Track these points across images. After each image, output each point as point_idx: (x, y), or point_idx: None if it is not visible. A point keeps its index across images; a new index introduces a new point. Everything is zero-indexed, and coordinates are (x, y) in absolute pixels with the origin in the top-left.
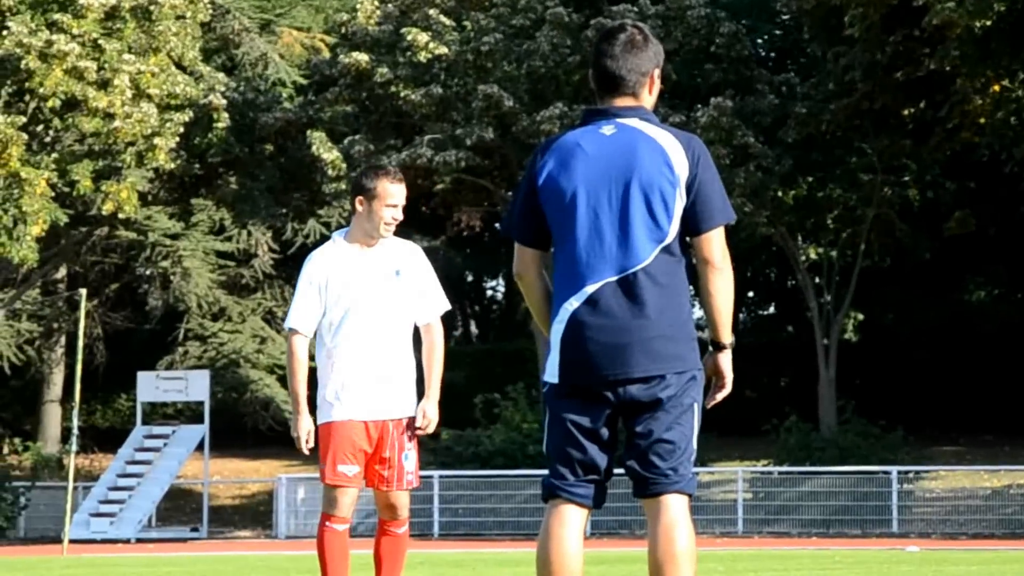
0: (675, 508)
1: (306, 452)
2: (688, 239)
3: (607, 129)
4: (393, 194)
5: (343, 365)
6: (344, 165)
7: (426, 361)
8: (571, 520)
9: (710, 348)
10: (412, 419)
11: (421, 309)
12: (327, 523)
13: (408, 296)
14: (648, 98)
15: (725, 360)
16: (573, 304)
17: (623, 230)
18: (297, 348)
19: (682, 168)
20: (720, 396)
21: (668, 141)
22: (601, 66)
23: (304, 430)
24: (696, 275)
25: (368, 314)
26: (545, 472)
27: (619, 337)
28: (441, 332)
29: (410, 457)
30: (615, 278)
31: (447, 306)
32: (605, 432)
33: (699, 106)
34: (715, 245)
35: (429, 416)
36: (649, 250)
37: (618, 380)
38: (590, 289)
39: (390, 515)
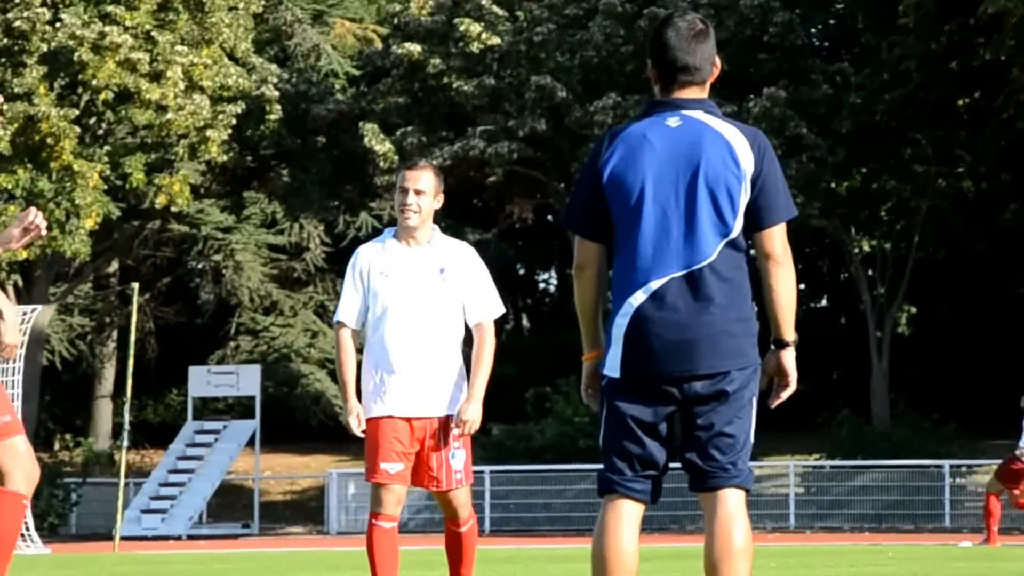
0: (733, 503)
1: (359, 434)
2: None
3: (672, 121)
4: (407, 178)
5: (382, 361)
6: (396, 157)
7: (472, 361)
8: (628, 515)
9: (772, 346)
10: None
11: (470, 310)
12: (374, 521)
13: (453, 296)
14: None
15: (788, 358)
16: (638, 298)
17: (689, 225)
18: (343, 340)
19: (748, 162)
20: (785, 395)
21: (733, 135)
22: (665, 56)
23: (354, 413)
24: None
25: (407, 312)
26: (599, 466)
27: (685, 333)
28: (490, 334)
29: (457, 456)
30: (681, 273)
31: (499, 309)
32: (664, 427)
33: (751, 96)
34: (778, 240)
35: (465, 418)
36: (715, 245)
37: (683, 376)
38: (655, 284)
39: (449, 514)
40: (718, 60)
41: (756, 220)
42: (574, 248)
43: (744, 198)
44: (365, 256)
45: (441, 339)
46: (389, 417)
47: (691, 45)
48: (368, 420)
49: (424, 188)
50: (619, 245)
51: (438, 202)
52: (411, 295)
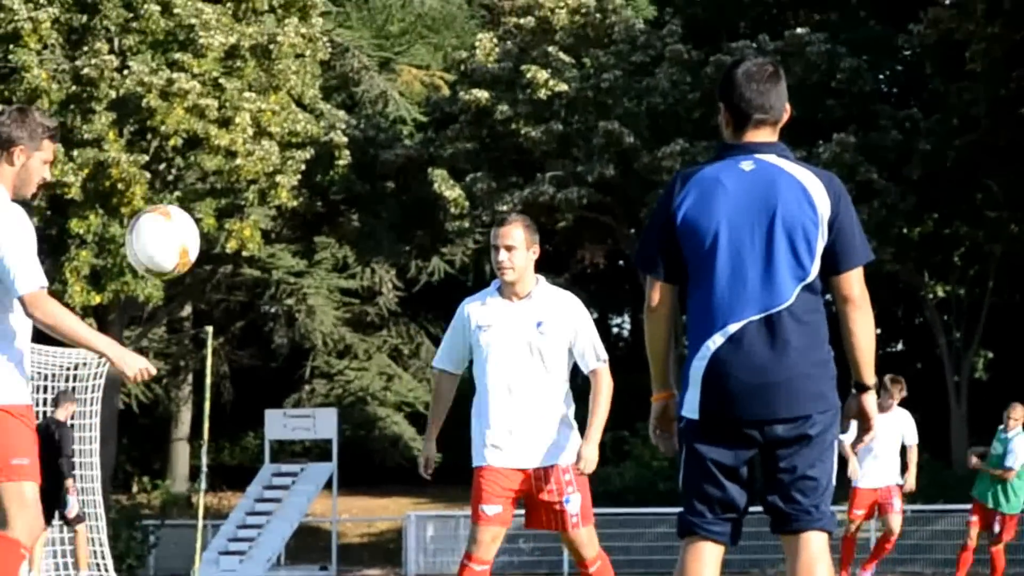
0: (816, 545)
1: (425, 476)
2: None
3: (746, 165)
4: (499, 235)
5: (484, 412)
6: (466, 203)
7: (590, 406)
8: (708, 557)
9: (853, 389)
10: (568, 466)
11: (580, 359)
12: (466, 562)
13: (552, 348)
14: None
15: (870, 401)
16: (716, 341)
17: (766, 269)
18: (437, 384)
19: (824, 206)
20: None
21: (808, 179)
22: (736, 97)
23: (424, 457)
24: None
25: (506, 365)
26: (678, 509)
27: (764, 377)
28: (604, 379)
29: (572, 500)
30: (758, 317)
31: (602, 355)
32: (744, 470)
33: (820, 142)
34: (856, 284)
35: (584, 457)
36: (792, 289)
37: (764, 420)
38: (733, 328)
39: (575, 556)
40: (788, 104)
41: (833, 264)
42: (646, 289)
43: (821, 242)
44: (467, 309)
45: (541, 391)
46: (490, 467)
47: (762, 87)
48: (475, 468)
49: (515, 243)
50: (693, 288)
51: (533, 253)
52: (509, 349)
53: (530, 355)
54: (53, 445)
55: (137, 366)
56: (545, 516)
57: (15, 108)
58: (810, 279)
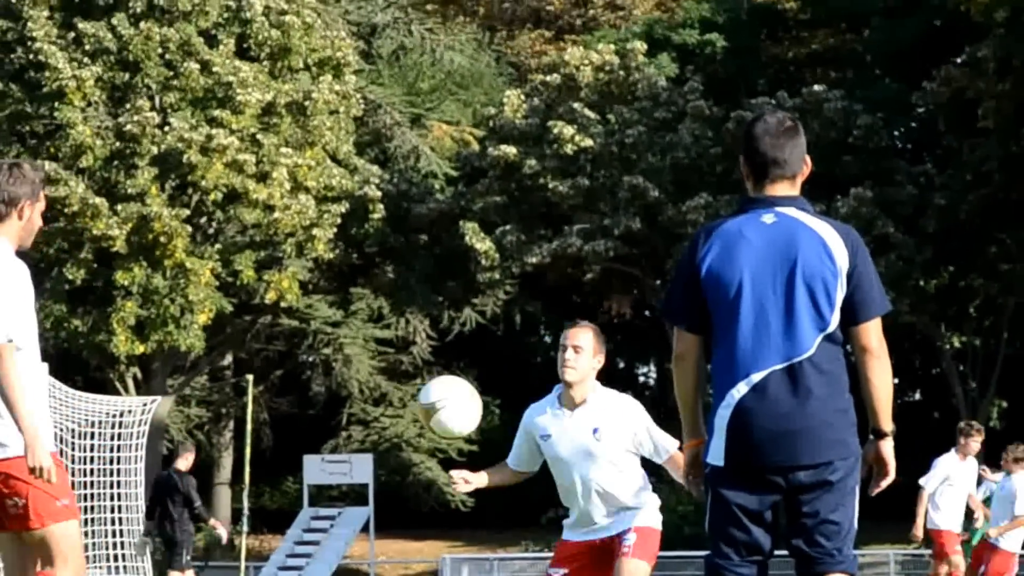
0: None
1: (458, 484)
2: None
3: (767, 218)
4: (568, 335)
5: (565, 501)
6: (496, 255)
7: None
8: None
9: (871, 436)
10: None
11: (652, 456)
12: None
13: (610, 451)
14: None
15: (887, 448)
16: (741, 390)
17: (788, 319)
18: (506, 468)
19: (842, 259)
20: (884, 484)
21: (827, 232)
22: (756, 151)
23: (465, 475)
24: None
25: (568, 470)
26: (704, 552)
27: (787, 424)
28: (678, 465)
29: (628, 538)
30: (781, 366)
31: (670, 448)
32: (768, 514)
33: (838, 196)
34: (874, 334)
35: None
36: (813, 339)
37: (787, 467)
38: (756, 377)
39: None
40: (807, 158)
41: (852, 315)
42: (673, 340)
43: (840, 293)
44: (530, 416)
45: (606, 488)
46: (566, 541)
47: (781, 140)
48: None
49: (583, 345)
50: (718, 338)
51: (598, 361)
52: (569, 456)
53: (588, 460)
54: (173, 492)
55: (44, 463)
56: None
57: (9, 165)
58: (830, 329)
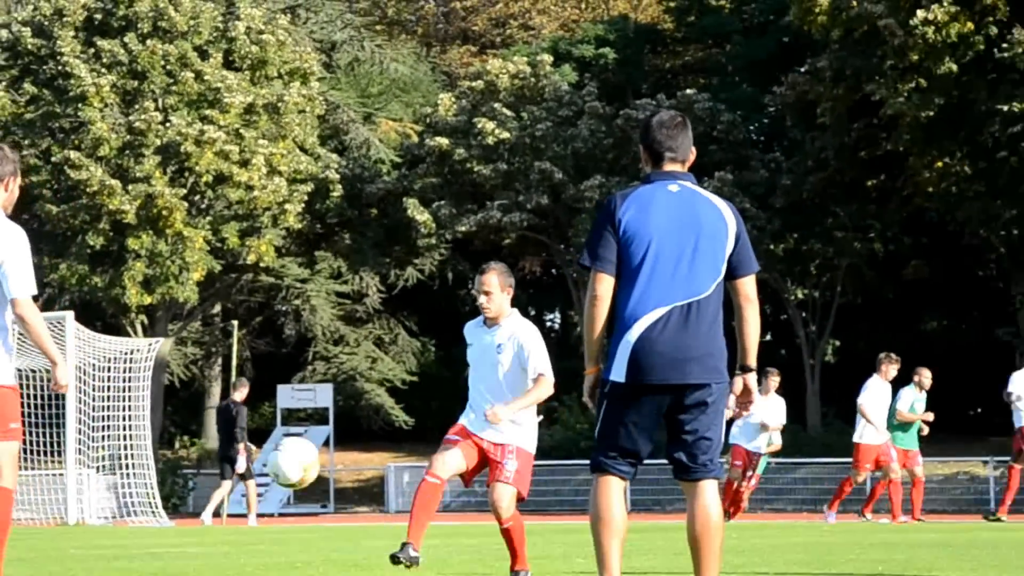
0: (710, 491)
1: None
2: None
3: (672, 187)
4: (480, 283)
5: (470, 398)
6: (433, 225)
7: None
8: (616, 488)
9: (739, 370)
10: (515, 446)
11: (529, 370)
12: (425, 476)
13: (507, 362)
14: None
15: (752, 380)
16: (646, 322)
17: (691, 267)
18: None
19: (731, 224)
20: (749, 411)
21: (719, 202)
22: (656, 142)
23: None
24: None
25: (478, 372)
26: (593, 453)
27: (681, 352)
28: (542, 384)
29: (509, 463)
30: (682, 303)
31: (542, 370)
32: (652, 426)
33: (705, 178)
34: (751, 286)
35: (494, 410)
36: (709, 284)
37: (677, 385)
38: (661, 311)
39: (495, 514)
40: (693, 148)
41: (735, 270)
42: (591, 284)
43: (729, 251)
44: (466, 329)
45: (503, 391)
46: (463, 426)
47: (674, 132)
48: (457, 422)
49: (492, 289)
50: (629, 279)
51: (507, 294)
52: (481, 362)
53: (493, 366)
54: (231, 419)
55: (68, 379)
56: (491, 469)
57: None
58: (721, 278)
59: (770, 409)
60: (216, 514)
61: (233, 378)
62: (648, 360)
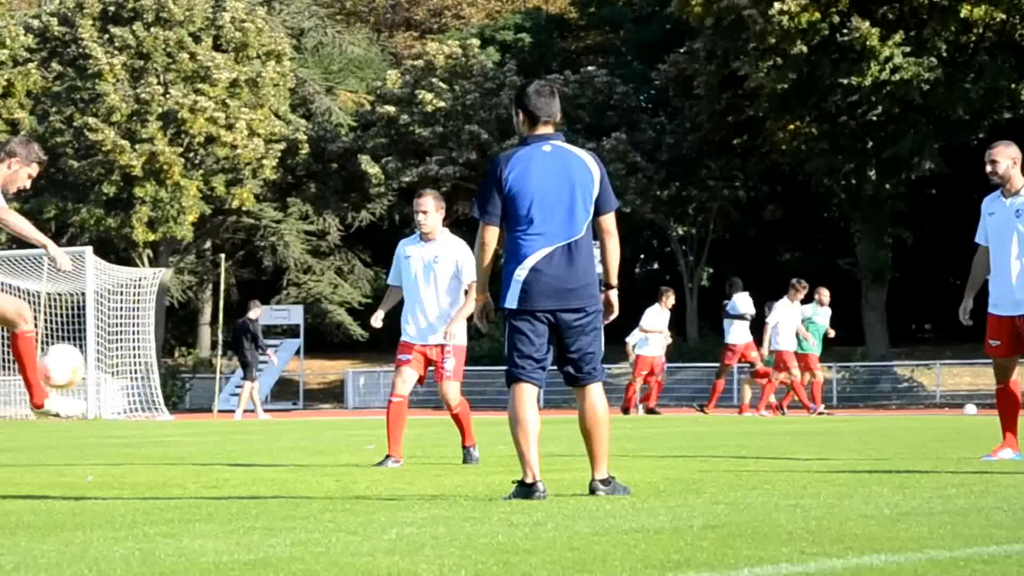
0: (596, 392)
1: (378, 325)
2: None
3: (546, 148)
4: (417, 204)
5: (405, 309)
6: (383, 176)
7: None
8: (529, 394)
9: (602, 288)
10: (452, 345)
11: (464, 279)
12: (390, 397)
13: (443, 273)
14: None
15: (614, 296)
16: (533, 260)
17: (568, 213)
18: (389, 293)
19: (596, 173)
20: (610, 319)
21: (585, 155)
22: (530, 107)
23: (377, 316)
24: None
25: (415, 281)
26: (506, 366)
27: (563, 283)
28: (472, 290)
29: (448, 362)
30: (563, 243)
31: (473, 279)
32: (545, 340)
33: (604, 138)
34: (612, 221)
35: (451, 332)
36: (582, 225)
37: (561, 309)
38: (546, 250)
39: (445, 401)
40: (560, 113)
41: (599, 209)
42: (480, 232)
43: (595, 195)
44: (401, 245)
45: (439, 299)
46: (406, 341)
47: (546, 99)
48: (401, 341)
49: (428, 209)
50: (517, 226)
51: (440, 214)
52: (417, 272)
53: (428, 276)
54: (245, 333)
55: (67, 260)
56: (436, 369)
57: (25, 136)
58: (590, 219)
59: (660, 317)
60: (248, 409)
61: (221, 299)
62: (536, 290)
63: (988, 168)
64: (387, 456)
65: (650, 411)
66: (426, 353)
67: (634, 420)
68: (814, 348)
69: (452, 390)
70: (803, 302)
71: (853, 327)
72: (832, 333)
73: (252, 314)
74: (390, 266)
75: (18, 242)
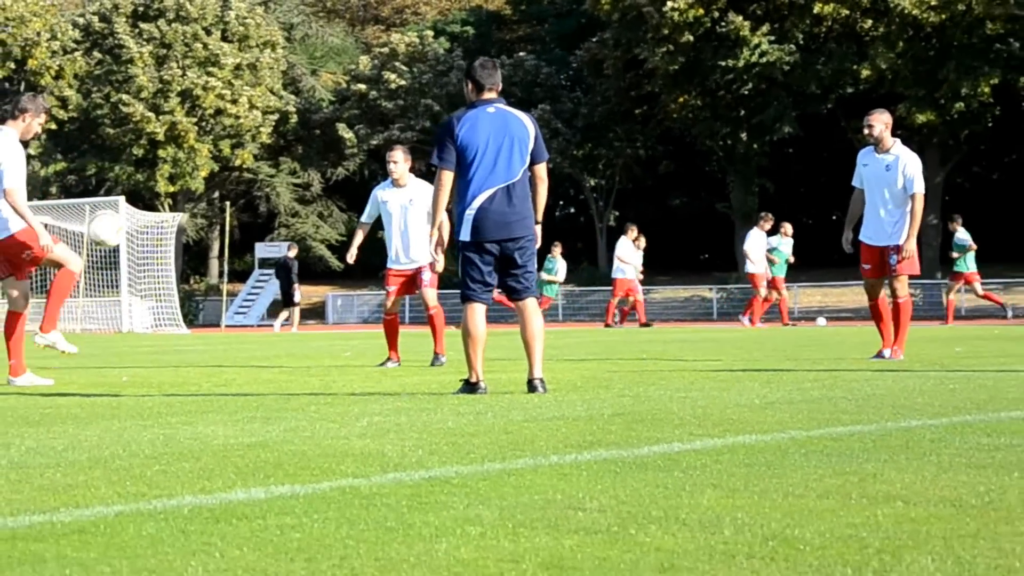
0: (532, 305)
1: (352, 261)
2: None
3: (490, 109)
4: (389, 157)
5: (388, 244)
6: (356, 140)
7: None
8: (480, 312)
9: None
10: (426, 263)
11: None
12: (384, 316)
13: (417, 211)
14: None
15: (539, 230)
16: (480, 199)
17: (507, 161)
18: (360, 227)
19: (530, 128)
20: (537, 244)
21: (522, 116)
22: (478, 77)
23: (351, 254)
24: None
25: (394, 220)
26: (460, 288)
27: (506, 218)
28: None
29: (425, 274)
30: (504, 185)
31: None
32: (493, 265)
33: (532, 109)
34: (544, 170)
35: (439, 262)
36: (519, 171)
37: (505, 239)
38: (490, 191)
39: (425, 304)
40: (501, 82)
41: (533, 160)
42: (438, 176)
43: (530, 147)
44: (378, 187)
45: (415, 231)
46: (391, 269)
47: (491, 71)
48: (389, 269)
49: (398, 159)
50: (466, 173)
51: (408, 163)
52: (395, 213)
53: (404, 214)
54: (287, 270)
55: (46, 242)
56: (418, 282)
57: (31, 93)
58: (526, 166)
59: (630, 248)
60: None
61: (227, 236)
62: (484, 224)
63: (865, 131)
64: (387, 359)
65: (644, 324)
66: (406, 273)
67: (562, 332)
68: (780, 271)
69: (431, 295)
70: (769, 234)
71: (727, 257)
72: (792, 260)
73: (291, 253)
74: (359, 210)
75: (65, 191)
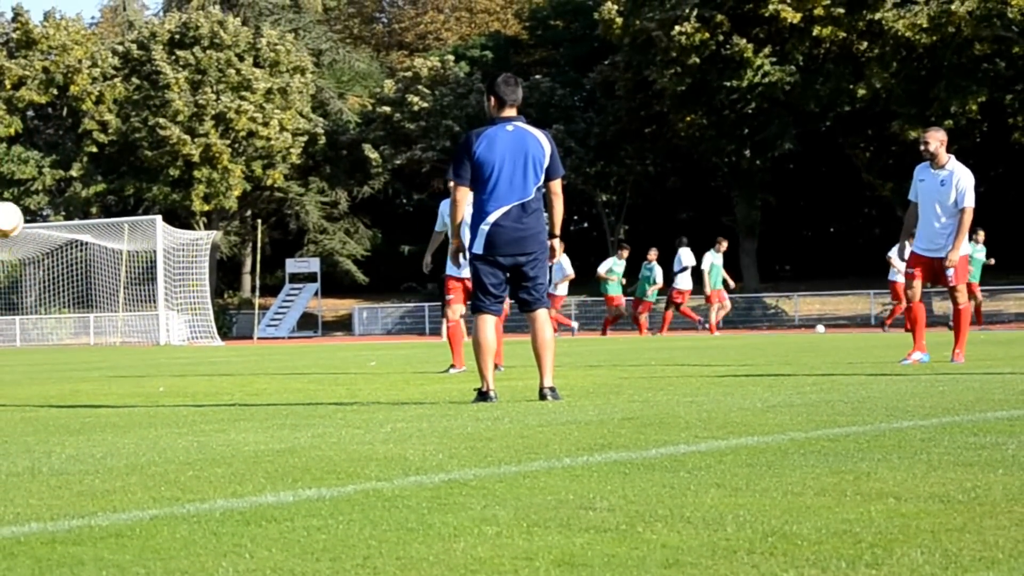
0: (543, 316)
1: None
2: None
3: (509, 127)
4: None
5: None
6: (381, 160)
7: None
8: (490, 323)
9: (549, 237)
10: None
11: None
12: (448, 323)
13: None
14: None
15: (557, 243)
16: (496, 215)
17: (523, 179)
18: (435, 236)
19: (546, 147)
20: (554, 261)
21: (539, 134)
22: (502, 93)
23: (427, 264)
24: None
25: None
26: (472, 300)
27: (519, 233)
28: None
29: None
30: (518, 203)
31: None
32: (504, 279)
33: (548, 128)
34: (559, 185)
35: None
36: (532, 189)
37: (517, 254)
38: (505, 208)
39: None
40: (521, 99)
41: (549, 176)
42: (453, 193)
43: (545, 165)
44: (444, 203)
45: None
46: (456, 278)
47: (512, 87)
48: (449, 276)
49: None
50: (483, 189)
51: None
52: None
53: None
54: None
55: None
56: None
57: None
58: (540, 184)
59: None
60: None
61: (259, 253)
62: (498, 239)
63: (921, 147)
64: (451, 365)
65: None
66: (464, 282)
67: (576, 341)
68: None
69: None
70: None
71: (732, 268)
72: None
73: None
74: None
75: (105, 211)
